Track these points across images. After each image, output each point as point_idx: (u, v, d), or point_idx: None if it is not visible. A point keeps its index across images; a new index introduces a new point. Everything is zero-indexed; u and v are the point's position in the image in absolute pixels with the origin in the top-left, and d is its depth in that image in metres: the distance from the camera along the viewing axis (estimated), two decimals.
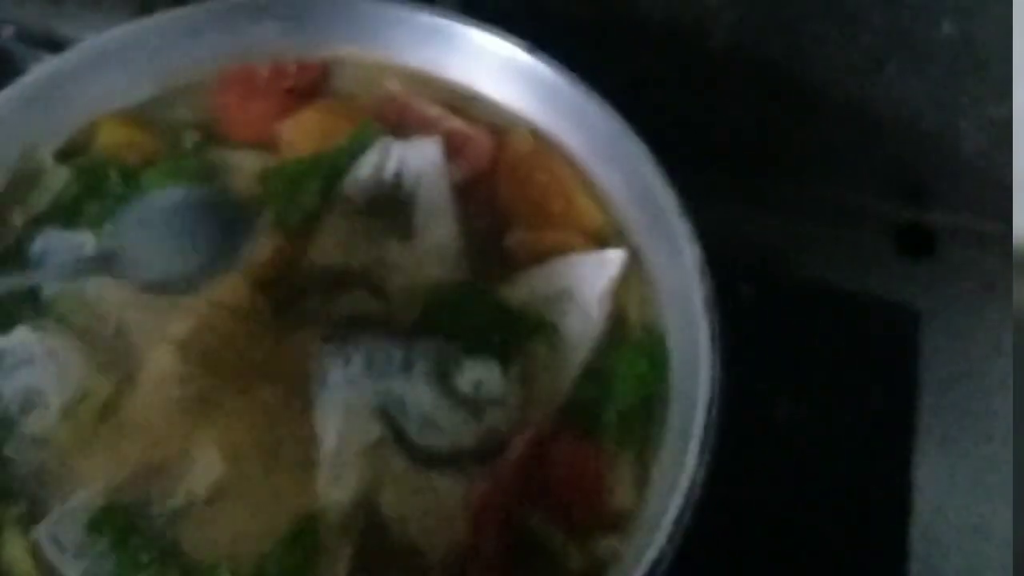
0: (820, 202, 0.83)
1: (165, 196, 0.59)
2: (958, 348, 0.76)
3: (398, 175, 0.66)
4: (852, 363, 0.74)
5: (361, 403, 0.56)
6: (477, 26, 0.69)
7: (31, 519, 0.55)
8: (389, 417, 0.56)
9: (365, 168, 0.66)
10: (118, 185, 0.65)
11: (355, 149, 0.67)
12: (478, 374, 0.58)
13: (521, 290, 0.62)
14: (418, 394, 0.57)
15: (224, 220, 0.58)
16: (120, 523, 0.54)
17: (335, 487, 0.55)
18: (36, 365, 0.58)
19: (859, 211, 0.83)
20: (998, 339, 0.76)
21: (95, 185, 0.65)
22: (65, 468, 0.56)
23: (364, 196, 0.66)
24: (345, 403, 0.56)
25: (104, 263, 0.56)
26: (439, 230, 0.64)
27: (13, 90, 0.66)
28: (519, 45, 0.67)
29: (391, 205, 0.65)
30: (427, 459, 0.56)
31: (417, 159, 0.66)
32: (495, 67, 0.69)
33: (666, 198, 0.60)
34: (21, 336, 0.59)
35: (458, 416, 0.57)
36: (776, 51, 0.78)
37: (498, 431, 0.57)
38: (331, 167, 0.66)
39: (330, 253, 0.63)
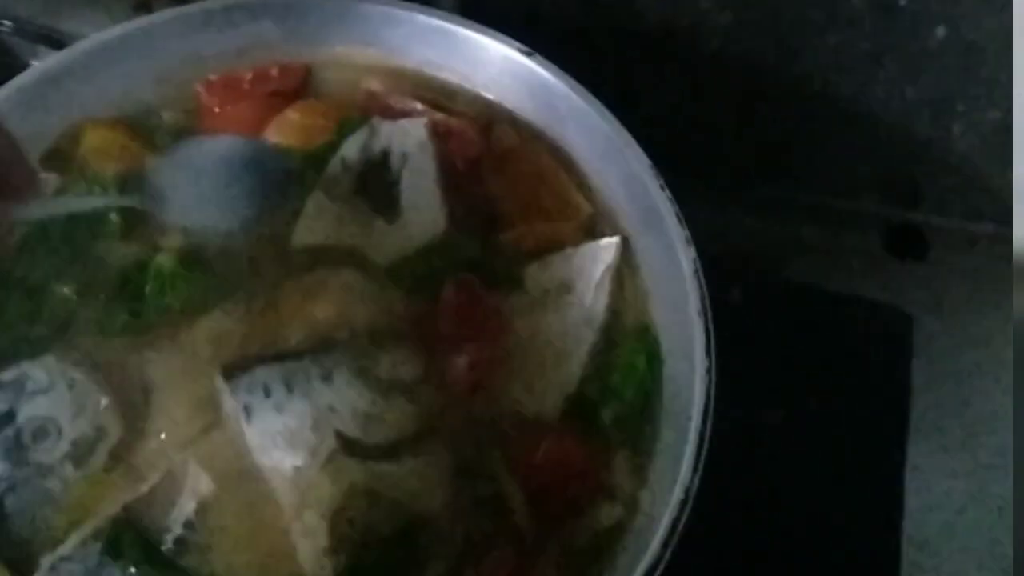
0: (812, 205, 0.84)
1: (215, 144, 0.59)
2: (950, 350, 0.76)
3: (385, 154, 0.66)
4: (844, 366, 0.74)
5: (298, 426, 0.56)
6: (475, 28, 0.69)
7: (23, 566, 0.53)
8: (331, 428, 0.56)
9: (352, 148, 0.66)
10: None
11: (341, 140, 0.67)
12: (393, 359, 0.58)
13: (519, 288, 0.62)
14: (348, 397, 0.57)
15: (269, 176, 0.58)
16: (141, 542, 0.53)
17: (307, 511, 0.54)
18: (55, 395, 0.57)
19: (852, 214, 0.84)
20: (990, 341, 0.77)
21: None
22: (64, 505, 0.55)
23: (351, 175, 0.66)
24: (283, 430, 0.56)
25: (148, 200, 0.56)
26: (425, 210, 0.65)
27: (13, 84, 0.65)
28: (517, 48, 0.67)
29: (378, 184, 0.66)
30: (381, 452, 0.56)
31: (404, 140, 0.66)
32: (492, 69, 0.69)
33: (662, 203, 0.61)
34: (47, 364, 0.58)
35: (395, 403, 0.57)
36: (770, 55, 0.78)
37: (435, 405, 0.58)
38: (322, 157, 0.66)
39: (317, 232, 0.64)
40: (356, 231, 0.64)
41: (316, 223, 0.64)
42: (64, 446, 0.56)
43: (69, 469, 0.56)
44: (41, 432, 0.56)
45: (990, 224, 0.84)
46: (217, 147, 0.59)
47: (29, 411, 0.57)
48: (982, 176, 0.82)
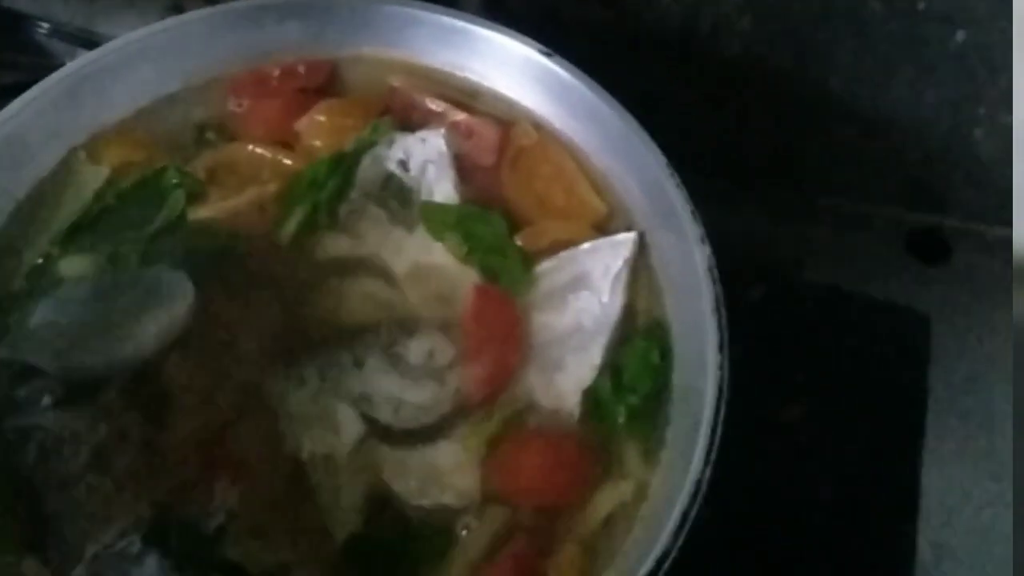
0: (834, 207, 0.84)
1: (78, 286, 0.62)
2: (968, 352, 0.76)
3: (403, 165, 0.68)
4: (862, 366, 0.74)
5: (330, 412, 0.58)
6: (496, 29, 0.70)
7: (62, 567, 0.54)
8: (361, 414, 0.58)
9: (371, 159, 0.68)
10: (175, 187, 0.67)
11: (369, 145, 0.68)
12: (426, 346, 0.60)
13: (535, 283, 0.63)
14: (379, 384, 0.59)
15: (138, 303, 0.60)
16: (179, 529, 0.54)
17: (340, 496, 0.56)
18: (72, 406, 0.57)
19: (873, 217, 0.84)
20: (1008, 343, 0.77)
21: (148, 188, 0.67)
22: (96, 510, 0.55)
23: (370, 186, 0.67)
24: (315, 418, 0.58)
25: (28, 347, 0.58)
26: None
27: (46, 84, 0.67)
28: (537, 48, 0.68)
29: (397, 195, 0.68)
30: (412, 437, 0.58)
31: (422, 150, 0.68)
32: (513, 69, 0.70)
33: (678, 200, 0.61)
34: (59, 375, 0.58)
35: (426, 388, 0.59)
36: (790, 59, 0.79)
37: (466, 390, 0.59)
38: (349, 165, 0.68)
39: (340, 244, 0.65)
40: (376, 241, 0.65)
41: (338, 235, 0.66)
42: (86, 454, 0.56)
43: (95, 474, 0.56)
44: (61, 443, 0.57)
45: (1010, 227, 0.83)
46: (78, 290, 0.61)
47: (48, 424, 0.57)
48: (1003, 179, 0.81)
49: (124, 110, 0.70)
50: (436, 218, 0.65)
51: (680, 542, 0.50)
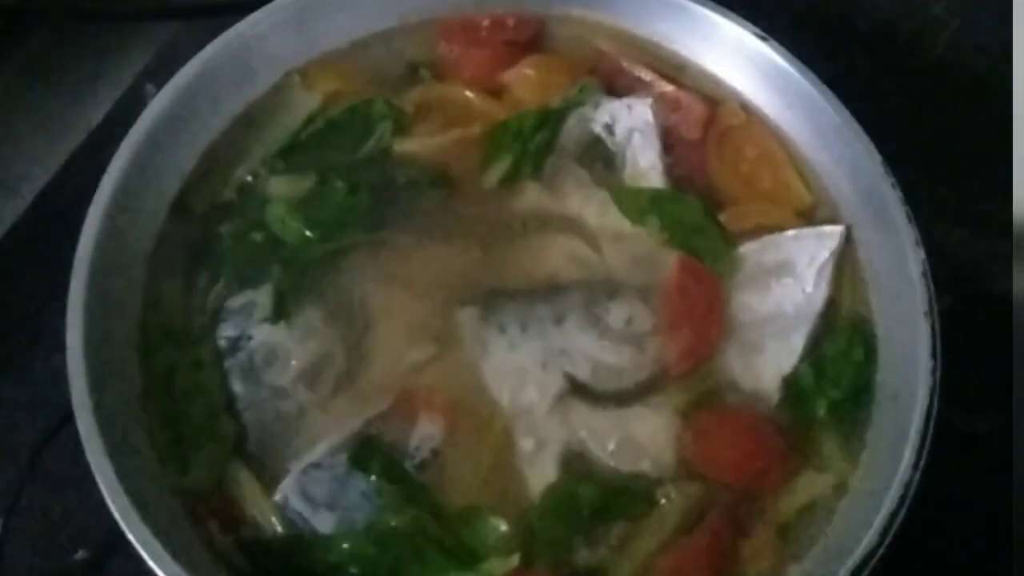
0: None
1: None
2: None
3: (609, 129, 0.68)
4: None
5: (530, 364, 0.59)
6: (711, 7, 0.69)
7: (269, 479, 0.56)
8: (561, 370, 0.59)
9: (576, 119, 0.68)
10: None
11: (575, 105, 0.69)
12: (626, 311, 0.60)
13: (738, 263, 0.64)
14: (579, 342, 0.59)
15: None
16: (384, 456, 0.55)
17: (538, 447, 0.57)
18: (282, 322, 0.59)
19: None
20: None
21: (357, 116, 0.68)
22: (300, 425, 0.57)
23: (575, 146, 0.68)
24: (515, 367, 0.59)
25: None
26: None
27: (271, 8, 0.67)
28: (752, 31, 0.68)
29: (601, 158, 0.68)
30: (610, 399, 0.59)
31: (628, 117, 0.68)
32: (724, 48, 0.70)
33: (892, 200, 0.61)
34: (271, 291, 0.60)
35: (624, 352, 0.59)
36: (997, 65, 0.77)
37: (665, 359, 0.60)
38: (555, 121, 0.68)
39: (542, 198, 0.66)
40: (578, 201, 0.66)
41: (542, 190, 0.66)
42: (293, 370, 0.58)
43: (301, 391, 0.58)
44: (271, 357, 0.59)
45: None
46: None
47: (259, 337, 0.59)
48: None
49: (340, 41, 0.71)
50: (629, 203, 0.65)
51: (884, 546, 0.51)
